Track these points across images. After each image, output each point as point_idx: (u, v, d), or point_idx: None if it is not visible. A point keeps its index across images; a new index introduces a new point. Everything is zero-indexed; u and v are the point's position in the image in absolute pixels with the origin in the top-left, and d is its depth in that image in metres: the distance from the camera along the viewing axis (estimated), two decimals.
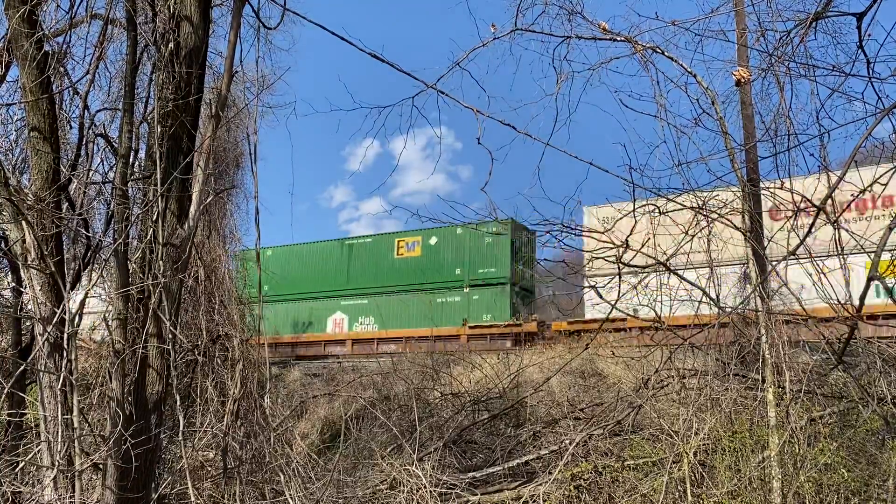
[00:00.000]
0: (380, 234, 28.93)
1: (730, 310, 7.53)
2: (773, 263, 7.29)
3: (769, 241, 7.61)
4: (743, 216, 7.48)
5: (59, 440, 5.77)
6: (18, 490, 6.18)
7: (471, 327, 24.34)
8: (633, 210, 7.29)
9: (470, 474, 9.03)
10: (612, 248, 7.53)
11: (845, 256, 6.54)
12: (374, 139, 8.78)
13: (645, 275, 7.81)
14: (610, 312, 7.94)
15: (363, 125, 7.57)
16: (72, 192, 7.52)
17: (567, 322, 22.19)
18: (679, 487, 6.87)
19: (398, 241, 27.79)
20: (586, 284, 8.29)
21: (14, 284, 7.41)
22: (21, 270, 6.65)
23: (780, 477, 6.20)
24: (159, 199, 6.17)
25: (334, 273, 28.99)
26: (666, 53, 7.43)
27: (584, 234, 7.94)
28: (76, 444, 5.83)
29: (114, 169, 6.56)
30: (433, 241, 26.73)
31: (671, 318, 8.24)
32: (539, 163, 7.76)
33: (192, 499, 6.51)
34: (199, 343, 10.58)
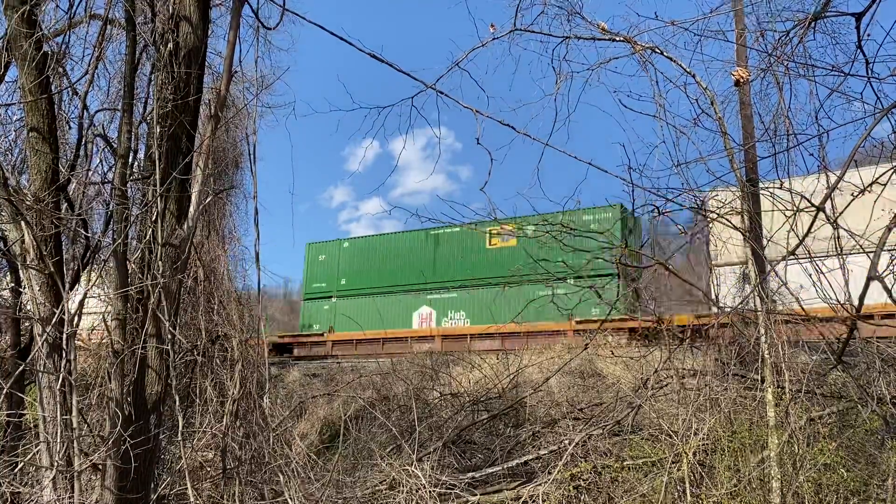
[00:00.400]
0: (469, 223, 26.56)
1: (729, 310, 7.54)
2: (773, 263, 7.30)
3: (768, 241, 7.61)
4: (742, 216, 7.48)
5: (59, 440, 5.77)
6: (18, 490, 6.18)
7: (577, 322, 21.88)
8: (633, 210, 7.28)
9: (469, 474, 9.03)
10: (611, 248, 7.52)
11: (844, 256, 6.54)
12: (374, 140, 8.81)
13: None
14: (609, 312, 7.94)
15: (362, 125, 7.59)
16: (71, 193, 7.51)
17: (694, 315, 20.02)
18: (678, 487, 6.87)
19: (490, 231, 25.42)
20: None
21: (13, 285, 7.41)
22: (20, 271, 6.65)
23: (779, 477, 6.20)
24: (158, 199, 6.17)
25: (419, 265, 27.45)
26: (665, 53, 7.43)
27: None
28: (75, 444, 5.83)
29: (113, 169, 6.57)
30: (530, 230, 25.16)
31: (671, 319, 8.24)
32: (538, 163, 7.77)
33: (192, 499, 6.51)
34: (199, 343, 10.57)
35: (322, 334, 27.97)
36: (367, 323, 26.79)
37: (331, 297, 29.25)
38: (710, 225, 7.54)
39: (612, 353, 11.92)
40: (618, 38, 7.54)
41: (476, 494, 8.41)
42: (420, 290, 27.38)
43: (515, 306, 23.65)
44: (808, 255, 6.77)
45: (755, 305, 7.15)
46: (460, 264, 26.77)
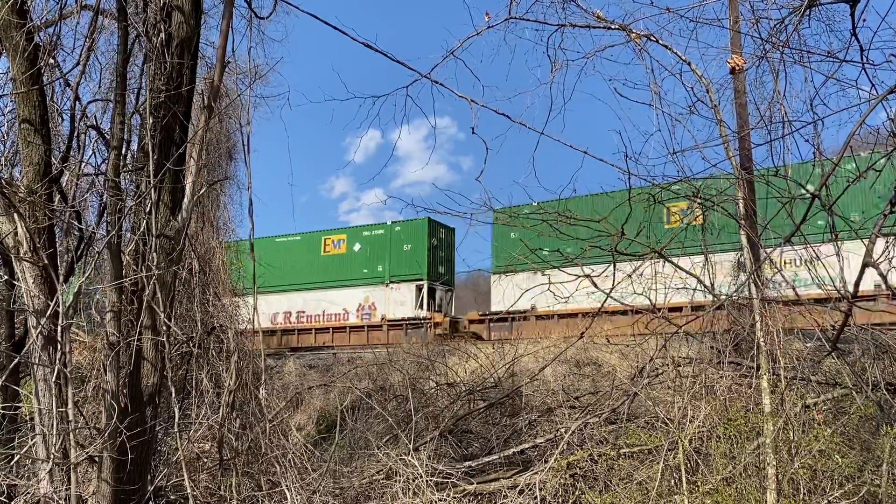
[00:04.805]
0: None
1: (724, 297, 7.54)
2: (768, 251, 7.31)
3: (763, 228, 7.61)
4: (737, 204, 7.48)
5: (55, 433, 5.76)
6: (14, 483, 6.17)
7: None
8: (629, 198, 7.28)
9: (466, 463, 9.04)
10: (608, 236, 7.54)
11: (840, 243, 6.54)
12: (372, 129, 8.82)
13: (640, 263, 7.81)
14: (605, 301, 7.94)
15: (357, 115, 7.56)
16: (64, 185, 7.47)
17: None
18: (674, 475, 6.89)
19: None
20: (576, 273, 8.25)
21: (7, 277, 7.38)
22: (14, 263, 6.62)
23: (774, 463, 6.22)
24: (152, 190, 6.14)
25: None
26: (661, 41, 7.40)
27: (580, 221, 7.91)
28: (71, 436, 5.82)
29: (106, 160, 6.54)
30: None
31: (665, 306, 8.25)
32: (534, 152, 7.75)
33: (189, 490, 6.51)
34: (194, 335, 10.56)
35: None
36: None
37: None
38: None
39: (608, 342, 11.94)
40: (613, 26, 7.51)
41: (473, 483, 8.42)
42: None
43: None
44: (803, 242, 6.78)
45: (751, 293, 7.16)
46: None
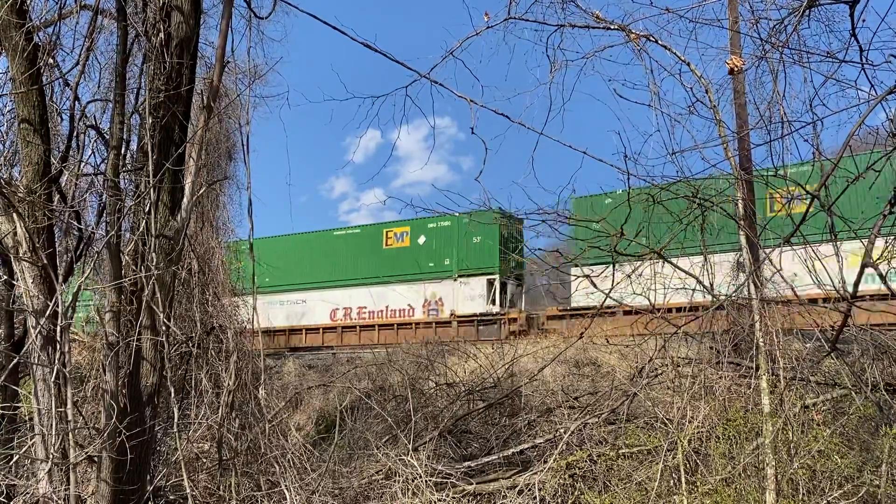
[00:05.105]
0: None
1: (724, 298, 7.55)
2: (767, 251, 7.31)
3: (763, 228, 7.61)
4: (736, 204, 7.48)
5: (54, 433, 5.76)
6: (13, 483, 6.17)
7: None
8: (629, 199, 7.28)
9: (465, 464, 9.04)
10: (607, 237, 7.54)
11: (839, 243, 6.54)
12: (371, 129, 8.83)
13: (640, 263, 7.80)
14: (604, 301, 7.94)
15: (356, 115, 7.56)
16: (63, 184, 7.47)
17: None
18: (674, 475, 6.89)
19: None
20: (577, 274, 8.25)
21: (6, 277, 7.38)
22: (13, 263, 6.62)
23: (773, 464, 6.22)
24: (151, 190, 6.14)
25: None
26: (660, 42, 7.41)
27: (578, 222, 7.92)
28: (70, 436, 5.82)
29: (105, 160, 6.54)
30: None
31: (665, 306, 8.25)
32: (533, 152, 7.74)
33: (188, 490, 6.51)
34: (194, 335, 10.56)
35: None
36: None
37: None
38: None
39: (608, 342, 11.94)
40: (612, 27, 7.51)
41: (472, 483, 8.42)
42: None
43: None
44: (802, 242, 6.79)
45: (750, 293, 7.15)
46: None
